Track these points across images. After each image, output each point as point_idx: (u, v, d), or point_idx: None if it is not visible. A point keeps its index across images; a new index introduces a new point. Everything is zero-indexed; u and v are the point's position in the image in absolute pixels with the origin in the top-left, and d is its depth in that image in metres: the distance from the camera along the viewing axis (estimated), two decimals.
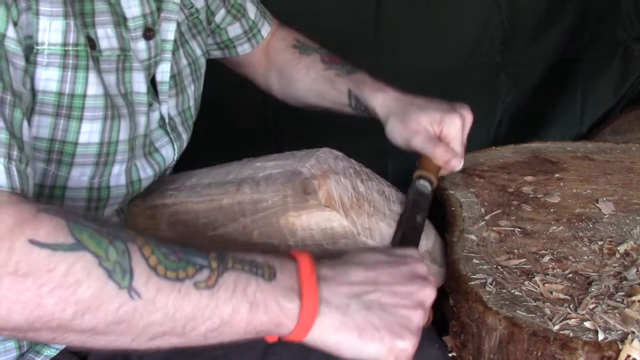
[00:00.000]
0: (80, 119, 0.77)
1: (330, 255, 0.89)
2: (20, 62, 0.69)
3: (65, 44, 0.74)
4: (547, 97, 2.11)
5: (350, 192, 0.92)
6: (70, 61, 0.74)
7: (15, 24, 0.68)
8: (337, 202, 0.89)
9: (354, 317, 0.67)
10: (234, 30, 1.15)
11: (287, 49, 1.20)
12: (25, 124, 0.66)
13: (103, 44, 0.79)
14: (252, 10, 1.17)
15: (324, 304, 0.66)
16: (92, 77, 0.77)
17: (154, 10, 0.87)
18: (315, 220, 0.85)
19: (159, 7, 0.89)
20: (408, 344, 0.67)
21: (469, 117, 1.03)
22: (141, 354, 0.85)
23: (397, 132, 1.04)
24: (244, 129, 1.86)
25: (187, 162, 1.09)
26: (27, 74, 0.70)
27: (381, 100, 1.07)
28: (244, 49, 1.17)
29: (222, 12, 1.12)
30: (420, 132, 1.00)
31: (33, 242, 0.57)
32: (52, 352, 0.86)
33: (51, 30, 0.72)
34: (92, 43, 0.78)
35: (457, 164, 1.01)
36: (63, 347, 0.86)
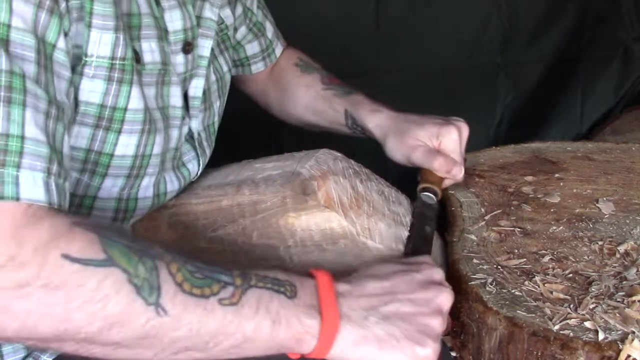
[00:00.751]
0: (119, 131, 0.77)
1: (331, 255, 0.89)
2: (67, 73, 0.69)
3: (113, 58, 0.74)
4: (547, 97, 2.11)
5: (349, 193, 0.92)
6: (116, 74, 0.75)
7: (65, 35, 0.68)
8: (337, 202, 0.89)
9: (373, 330, 0.67)
10: (252, 48, 1.17)
11: (290, 67, 1.21)
12: (66, 137, 0.66)
13: (147, 57, 0.80)
14: (270, 30, 1.18)
15: (344, 319, 0.67)
16: (135, 91, 0.77)
17: (194, 25, 0.87)
18: (314, 221, 0.85)
19: (198, 23, 0.89)
20: (429, 351, 0.68)
21: (465, 129, 1.04)
22: None
23: (396, 150, 1.06)
24: (244, 130, 1.86)
25: None
26: (71, 85, 0.70)
27: (378, 120, 1.09)
28: (257, 67, 1.19)
29: (244, 29, 1.13)
30: (419, 147, 1.02)
31: (66, 256, 0.58)
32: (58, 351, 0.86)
33: (101, 43, 0.72)
34: (136, 56, 0.78)
35: (458, 173, 1.02)
36: None
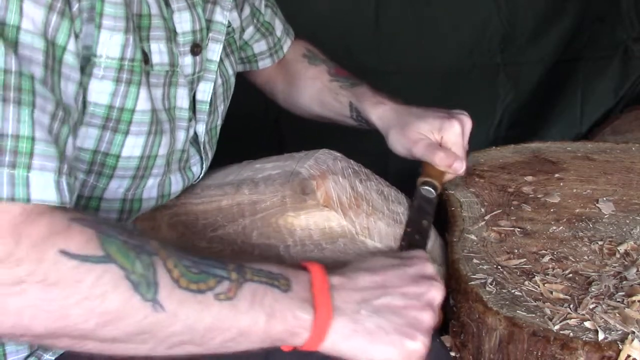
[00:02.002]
0: (127, 132, 0.77)
1: (330, 254, 0.89)
2: (76, 75, 0.68)
3: (122, 59, 0.74)
4: (547, 97, 2.11)
5: (348, 192, 0.92)
6: (125, 75, 0.75)
7: (77, 37, 0.68)
8: (336, 202, 0.89)
9: (364, 324, 0.68)
10: (260, 47, 1.17)
11: (297, 58, 1.21)
12: (70, 140, 0.66)
13: (155, 58, 0.80)
14: (279, 28, 1.18)
15: (336, 312, 0.68)
16: (143, 92, 0.77)
17: (203, 28, 0.87)
18: (313, 220, 0.85)
19: (209, 27, 0.90)
20: (419, 345, 0.68)
21: (468, 123, 1.04)
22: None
23: (398, 143, 1.05)
24: (244, 130, 1.86)
25: None
26: (80, 87, 0.70)
27: (380, 112, 1.09)
28: (265, 63, 1.19)
29: (251, 29, 1.13)
30: (421, 140, 1.02)
31: (63, 253, 0.58)
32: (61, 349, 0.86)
33: (111, 44, 0.72)
34: (145, 57, 0.78)
35: (460, 167, 1.01)
36: None
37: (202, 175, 0.97)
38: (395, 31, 1.94)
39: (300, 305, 0.67)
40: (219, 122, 1.01)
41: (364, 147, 1.51)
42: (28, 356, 0.84)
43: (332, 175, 0.92)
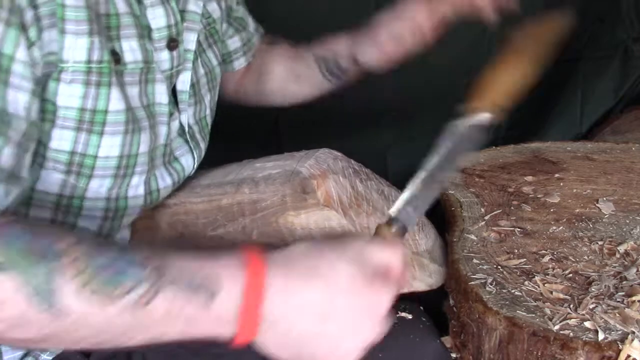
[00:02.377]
0: (101, 133, 0.77)
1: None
2: (28, 84, 0.67)
3: (89, 62, 0.74)
4: (547, 97, 2.10)
5: (349, 192, 0.92)
6: (94, 78, 0.75)
7: (32, 45, 0.67)
8: (336, 201, 0.89)
9: (291, 348, 0.63)
10: (234, 43, 1.15)
11: (260, 47, 1.19)
12: (6, 150, 0.65)
13: (127, 57, 0.80)
14: (251, 25, 1.17)
15: (265, 323, 0.62)
16: (115, 92, 0.77)
17: (178, 21, 0.87)
18: (314, 220, 0.85)
19: (183, 17, 0.89)
20: None
21: None
22: (144, 352, 0.85)
23: (368, 48, 1.06)
24: (244, 130, 1.86)
25: None
26: (35, 96, 0.69)
27: (340, 44, 1.09)
28: (240, 63, 1.17)
29: (225, 25, 1.12)
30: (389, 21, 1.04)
31: None
32: (58, 349, 0.86)
33: (76, 48, 0.72)
34: (116, 57, 0.78)
35: None
36: None
37: (195, 166, 0.97)
38: None
39: (220, 325, 0.62)
40: (208, 112, 1.01)
41: (364, 147, 1.51)
42: (24, 356, 0.84)
43: (333, 174, 0.92)
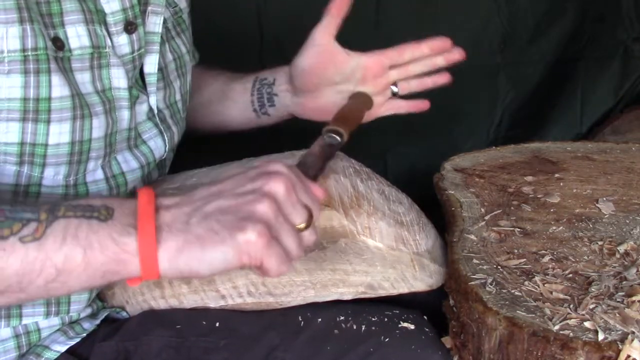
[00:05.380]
0: (48, 121, 0.77)
1: (331, 254, 0.89)
2: None
3: (24, 50, 0.74)
4: (547, 97, 2.10)
5: (349, 192, 0.92)
6: (32, 66, 0.75)
7: None
8: (337, 201, 0.89)
9: (194, 232, 0.64)
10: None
11: (194, 69, 1.16)
12: None
13: (73, 43, 0.79)
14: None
15: (164, 230, 0.64)
16: (56, 79, 0.77)
17: (134, 4, 0.87)
18: None
19: (146, 1, 0.89)
20: (250, 234, 0.62)
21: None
22: (142, 355, 0.85)
23: (325, 60, 1.07)
24: (244, 130, 1.86)
25: (188, 161, 1.08)
26: None
27: (283, 69, 1.10)
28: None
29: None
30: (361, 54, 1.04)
31: None
32: (53, 355, 0.86)
33: (8, 37, 0.72)
34: (60, 43, 0.78)
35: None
36: (64, 349, 0.86)
37: (167, 148, 0.97)
38: (395, 31, 1.94)
39: (121, 230, 0.64)
40: (179, 98, 1.01)
41: (364, 147, 1.51)
42: (20, 357, 0.84)
43: (333, 174, 0.92)
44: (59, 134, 0.78)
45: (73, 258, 0.63)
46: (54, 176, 0.81)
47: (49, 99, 0.76)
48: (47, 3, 0.77)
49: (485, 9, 1.99)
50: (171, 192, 0.93)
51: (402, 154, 1.92)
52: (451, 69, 2.02)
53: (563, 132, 2.10)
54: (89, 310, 0.91)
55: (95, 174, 0.85)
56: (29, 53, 0.74)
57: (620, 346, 0.74)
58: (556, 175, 1.16)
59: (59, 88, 0.77)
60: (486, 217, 1.02)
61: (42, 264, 0.63)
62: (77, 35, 0.80)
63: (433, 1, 1.96)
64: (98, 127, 0.82)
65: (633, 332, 0.75)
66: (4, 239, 0.62)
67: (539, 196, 1.08)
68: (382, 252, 0.90)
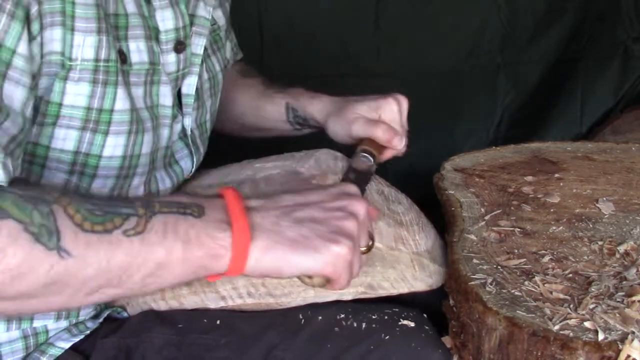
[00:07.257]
0: (106, 133, 0.78)
1: None
2: (26, 79, 0.68)
3: (97, 60, 0.74)
4: (547, 97, 2.11)
5: None
6: (101, 77, 0.75)
7: (32, 39, 0.68)
8: None
9: (285, 234, 0.67)
10: (227, 51, 1.16)
11: (231, 73, 1.20)
12: None
13: (134, 57, 0.80)
14: (228, 50, 1.17)
15: (255, 228, 0.66)
16: (121, 92, 0.77)
17: (187, 24, 0.88)
18: None
19: (192, 21, 0.90)
20: (343, 248, 0.67)
21: (404, 102, 1.05)
22: (143, 352, 0.85)
23: (338, 127, 1.05)
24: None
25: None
26: (31, 94, 0.70)
27: (318, 105, 1.10)
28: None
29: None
30: (359, 119, 1.02)
31: None
32: (57, 352, 0.86)
33: (85, 46, 0.73)
34: (123, 57, 0.78)
35: (399, 143, 1.02)
36: (68, 346, 0.87)
37: (193, 169, 0.97)
38: (395, 31, 1.94)
39: (216, 226, 0.66)
40: (208, 117, 1.01)
41: None
42: (24, 357, 0.84)
43: (333, 175, 0.92)
44: (114, 146, 0.79)
45: (173, 252, 0.64)
46: (100, 188, 0.81)
47: (112, 111, 0.77)
48: (115, 16, 0.77)
49: (485, 9, 1.99)
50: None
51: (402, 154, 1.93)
52: (451, 68, 2.03)
53: (563, 132, 2.11)
54: (92, 312, 0.91)
55: (137, 190, 0.86)
56: (101, 64, 0.74)
57: (620, 346, 0.73)
58: (556, 175, 1.16)
59: (121, 101, 0.77)
60: (486, 217, 1.02)
61: (144, 257, 0.63)
62: (137, 50, 0.80)
63: (433, 1, 1.96)
64: (147, 143, 0.83)
65: (633, 332, 0.75)
66: (108, 232, 0.62)
67: (539, 196, 1.08)
68: (382, 252, 0.90)
